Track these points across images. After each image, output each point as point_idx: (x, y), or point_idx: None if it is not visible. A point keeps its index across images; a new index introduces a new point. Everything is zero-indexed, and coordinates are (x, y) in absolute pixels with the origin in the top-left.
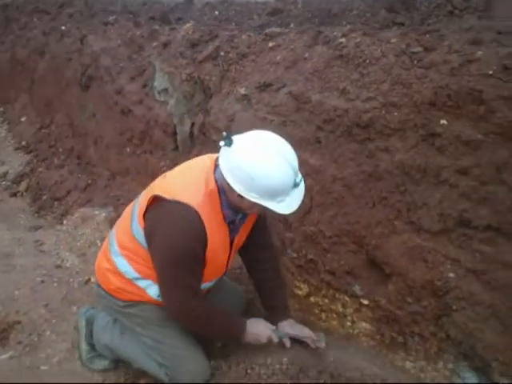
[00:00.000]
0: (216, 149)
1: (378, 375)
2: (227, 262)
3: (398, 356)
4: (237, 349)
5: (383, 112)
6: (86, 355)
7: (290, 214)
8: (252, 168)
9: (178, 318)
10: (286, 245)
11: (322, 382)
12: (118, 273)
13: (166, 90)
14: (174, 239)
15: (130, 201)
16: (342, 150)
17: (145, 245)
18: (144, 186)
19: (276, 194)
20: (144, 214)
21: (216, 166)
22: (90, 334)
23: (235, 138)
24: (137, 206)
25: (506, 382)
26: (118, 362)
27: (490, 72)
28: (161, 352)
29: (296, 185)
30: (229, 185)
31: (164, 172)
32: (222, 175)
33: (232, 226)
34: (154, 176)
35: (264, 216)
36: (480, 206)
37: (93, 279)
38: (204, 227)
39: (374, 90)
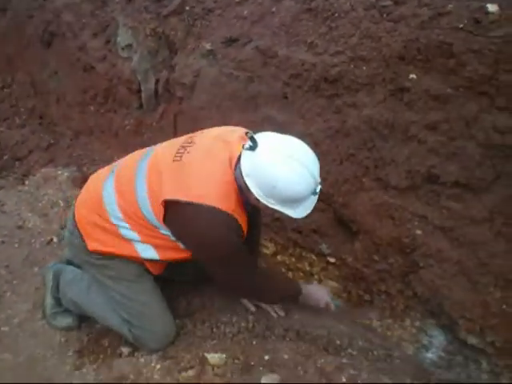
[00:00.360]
0: (181, 105)
1: (345, 333)
2: None
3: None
4: (201, 307)
5: (351, 66)
6: (50, 310)
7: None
8: (275, 178)
9: (241, 295)
10: None
11: (288, 339)
12: (116, 233)
13: (129, 46)
14: (224, 246)
15: (93, 160)
16: (310, 105)
17: (156, 223)
18: (108, 145)
19: (294, 202)
20: (167, 208)
21: (236, 164)
22: (56, 288)
23: (259, 141)
24: (144, 182)
25: (473, 339)
26: (82, 322)
27: (461, 25)
28: (128, 308)
29: (314, 194)
30: (247, 187)
31: (128, 129)
32: (242, 180)
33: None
34: (118, 135)
35: None
36: (448, 161)
37: (55, 239)
38: (240, 225)
39: (343, 43)
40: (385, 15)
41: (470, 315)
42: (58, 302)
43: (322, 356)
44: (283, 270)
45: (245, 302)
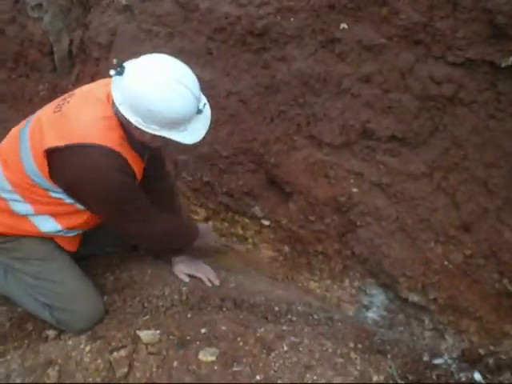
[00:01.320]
0: (98, 67)
1: (284, 298)
2: None
3: (301, 277)
4: (131, 281)
5: (278, 18)
6: None
7: (196, 143)
8: (148, 98)
9: (143, 242)
10: (179, 168)
11: (224, 310)
12: (8, 211)
13: (39, 6)
14: (109, 186)
15: (7, 130)
16: (236, 61)
17: (45, 184)
18: (22, 112)
19: (177, 123)
20: (50, 159)
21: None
22: None
23: (127, 65)
24: (27, 141)
25: (414, 297)
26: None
27: None
28: (43, 290)
29: (199, 111)
30: (126, 118)
31: (42, 94)
32: (120, 113)
33: (141, 159)
34: (32, 101)
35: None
36: (383, 115)
37: None
38: (128, 162)
39: None
40: None
41: (411, 273)
42: None
43: (261, 325)
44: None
45: (178, 272)
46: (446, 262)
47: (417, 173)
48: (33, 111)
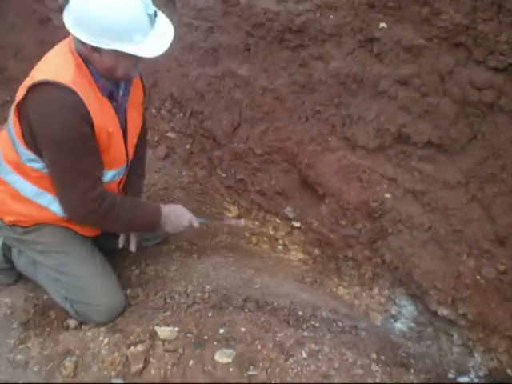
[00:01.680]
0: None
1: (309, 302)
2: (126, 148)
3: (330, 282)
4: (155, 276)
5: (318, 15)
6: None
7: (159, 57)
8: (90, 5)
9: (81, 215)
10: (214, 164)
11: (246, 311)
12: (14, 193)
13: None
14: (55, 124)
15: None
16: (273, 58)
17: (26, 155)
18: None
19: (128, 32)
20: (18, 116)
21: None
22: (8, 248)
23: None
24: (11, 116)
25: (444, 310)
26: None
27: None
28: (63, 284)
29: (151, 19)
30: (83, 44)
31: None
32: (79, 43)
33: (114, 103)
34: None
35: None
36: (420, 119)
37: None
38: (83, 102)
39: None
40: None
41: (442, 285)
42: (7, 260)
43: (282, 329)
44: (247, 234)
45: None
46: (478, 277)
47: (452, 182)
48: None
